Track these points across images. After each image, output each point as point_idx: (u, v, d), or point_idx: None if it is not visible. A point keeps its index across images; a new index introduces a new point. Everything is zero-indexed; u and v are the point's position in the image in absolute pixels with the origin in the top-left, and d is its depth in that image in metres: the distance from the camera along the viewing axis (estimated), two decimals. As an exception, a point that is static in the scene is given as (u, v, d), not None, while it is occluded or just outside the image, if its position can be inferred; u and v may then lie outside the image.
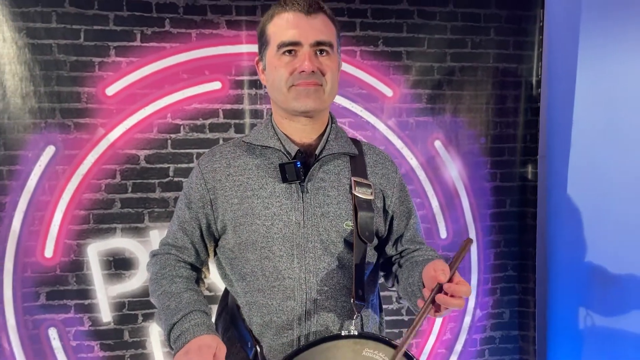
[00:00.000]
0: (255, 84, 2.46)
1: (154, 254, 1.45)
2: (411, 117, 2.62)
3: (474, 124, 2.70)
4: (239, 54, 2.46)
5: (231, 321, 1.37)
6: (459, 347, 2.73)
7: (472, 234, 2.71)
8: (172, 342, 1.28)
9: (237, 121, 2.48)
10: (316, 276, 1.33)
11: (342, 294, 1.34)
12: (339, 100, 2.52)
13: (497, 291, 2.77)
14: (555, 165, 2.82)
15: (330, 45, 1.31)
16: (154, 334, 2.44)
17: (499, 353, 2.78)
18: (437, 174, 2.67)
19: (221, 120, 2.48)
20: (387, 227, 1.44)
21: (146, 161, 2.43)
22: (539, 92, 2.70)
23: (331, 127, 1.41)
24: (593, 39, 2.74)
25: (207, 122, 2.47)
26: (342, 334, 1.26)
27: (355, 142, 1.46)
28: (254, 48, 2.32)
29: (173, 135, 2.46)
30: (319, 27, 1.29)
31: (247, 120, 2.47)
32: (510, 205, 2.77)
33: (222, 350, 1.22)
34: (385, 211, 1.44)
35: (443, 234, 2.66)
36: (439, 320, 2.68)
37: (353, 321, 1.29)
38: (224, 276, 1.43)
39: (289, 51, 1.29)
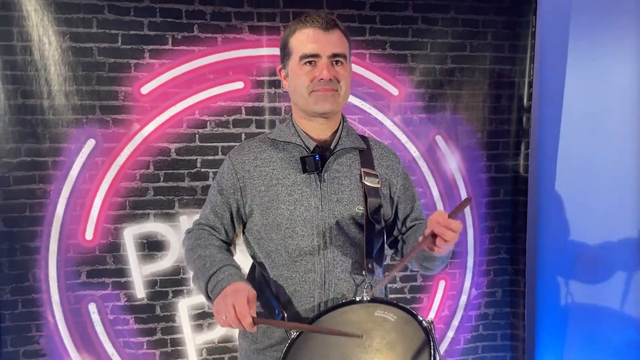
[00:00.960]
0: (274, 84, 2.54)
1: (188, 231, 1.57)
2: (415, 114, 2.71)
3: (471, 120, 2.77)
4: (260, 56, 2.53)
5: (259, 292, 1.45)
6: (455, 322, 2.85)
7: (469, 221, 2.80)
8: (210, 291, 1.38)
9: (257, 117, 2.56)
10: (332, 252, 1.46)
11: (355, 267, 1.48)
12: (350, 99, 2.54)
13: (491, 272, 2.87)
14: (545, 158, 2.90)
15: (345, 56, 1.44)
16: (183, 309, 2.55)
17: (492, 328, 2.90)
18: (437, 165, 2.76)
19: (243, 116, 2.55)
20: (393, 211, 1.57)
21: (176, 153, 2.51)
22: (530, 91, 2.78)
23: (343, 125, 1.54)
24: (581, 43, 2.83)
25: (231, 118, 2.54)
26: (357, 300, 1.38)
27: (364, 138, 1.59)
28: (274, 51, 2.55)
29: (200, 130, 2.52)
30: (335, 42, 1.43)
31: (267, 116, 2.56)
32: (503, 194, 2.86)
33: (253, 294, 1.32)
34: (391, 197, 1.56)
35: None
36: (437, 299, 2.80)
37: (365, 290, 1.42)
38: (252, 254, 1.56)
39: (310, 62, 1.42)
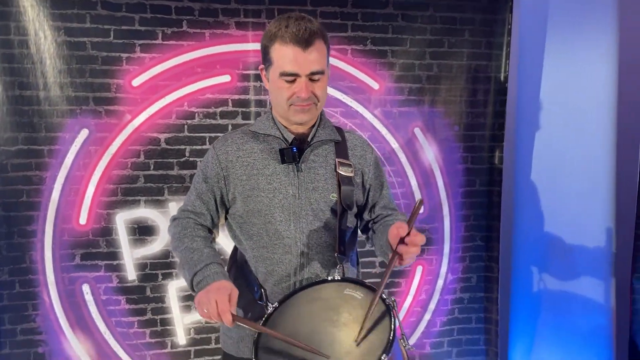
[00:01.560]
0: (260, 77, 2.53)
1: (174, 218, 1.65)
2: (394, 108, 2.80)
3: (449, 114, 2.86)
4: (246, 51, 2.62)
5: (240, 272, 1.57)
6: (432, 305, 2.96)
7: (446, 210, 2.92)
8: (195, 285, 1.48)
9: (243, 109, 2.65)
10: (308, 236, 1.56)
11: (328, 250, 1.58)
12: (333, 92, 2.69)
13: (467, 259, 2.99)
14: (522, 150, 3.01)
15: (322, 72, 1.49)
16: (172, 290, 2.67)
17: (467, 312, 3.01)
18: (416, 157, 2.85)
19: (230, 108, 2.64)
20: (365, 198, 1.67)
21: (166, 143, 2.60)
22: (506, 86, 2.87)
23: (320, 119, 1.62)
24: (558, 38, 2.94)
25: (218, 110, 2.63)
26: (329, 279, 1.49)
27: (339, 130, 1.68)
28: (259, 46, 2.62)
29: (189, 121, 2.61)
30: (313, 60, 1.46)
31: (253, 108, 2.65)
32: (479, 184, 2.95)
33: (235, 293, 1.42)
34: (363, 185, 1.65)
35: (421, 209, 2.94)
36: (415, 283, 2.92)
37: (336, 270, 1.54)
38: (234, 237, 1.65)
39: (290, 80, 1.47)
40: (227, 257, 1.74)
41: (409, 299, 2.94)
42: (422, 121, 2.86)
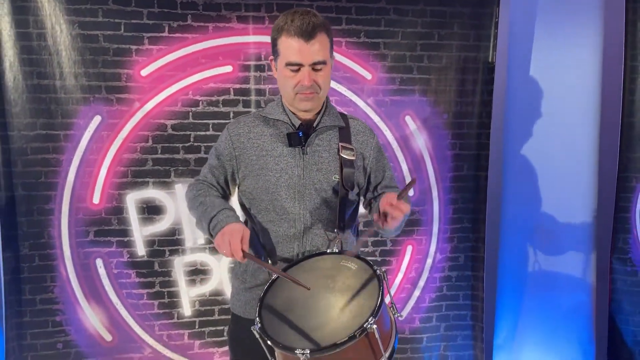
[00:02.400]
0: (260, 68, 2.77)
1: (190, 185, 1.81)
2: (386, 97, 2.93)
3: (438, 102, 2.97)
4: (246, 43, 2.74)
5: (250, 243, 1.63)
6: (421, 283, 3.10)
7: (435, 193, 3.05)
8: (211, 230, 1.61)
9: (244, 98, 2.79)
10: (311, 213, 1.70)
11: (329, 226, 1.72)
12: None
13: (455, 239, 3.12)
14: (509, 136, 3.13)
15: (324, 62, 1.62)
16: (178, 265, 2.83)
17: (455, 289, 3.15)
18: (407, 143, 2.98)
19: (232, 97, 2.77)
20: (366, 179, 1.82)
21: (172, 129, 2.74)
22: (492, 76, 2.97)
23: (325, 106, 1.75)
24: (546, 30, 3.08)
25: (221, 98, 2.76)
26: (327, 251, 1.64)
27: (343, 116, 1.82)
28: (259, 38, 2.79)
29: (193, 109, 2.74)
30: (316, 51, 1.60)
31: (253, 97, 2.79)
32: (467, 169, 3.07)
33: (247, 233, 1.56)
34: (364, 168, 1.78)
35: (411, 192, 2.99)
36: (405, 261, 3.08)
37: (335, 244, 1.68)
38: (245, 211, 1.80)
39: (294, 69, 1.62)
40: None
41: (400, 276, 3.09)
42: (413, 109, 2.98)
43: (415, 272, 3.12)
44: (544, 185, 3.16)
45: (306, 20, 1.59)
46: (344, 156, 1.72)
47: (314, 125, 1.74)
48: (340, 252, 1.64)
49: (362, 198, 1.86)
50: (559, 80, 3.11)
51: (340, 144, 1.74)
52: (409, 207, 1.57)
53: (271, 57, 1.72)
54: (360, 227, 2.84)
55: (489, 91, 3.03)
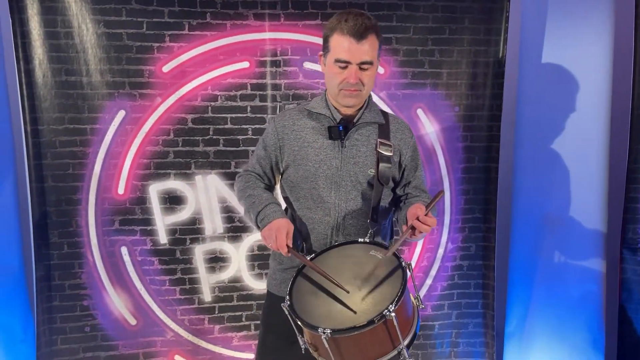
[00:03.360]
0: (276, 64, 2.83)
1: (239, 176, 1.94)
2: (399, 90, 2.99)
3: (449, 96, 3.02)
4: (263, 40, 2.80)
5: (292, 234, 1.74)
6: (433, 272, 3.17)
7: (446, 184, 3.11)
8: (259, 222, 1.74)
9: (261, 92, 2.85)
10: (346, 203, 1.80)
11: (363, 217, 1.80)
12: None
13: (466, 229, 3.17)
14: (521, 129, 3.17)
15: (372, 62, 1.69)
16: (199, 253, 2.93)
17: (466, 278, 3.21)
18: (419, 135, 3.02)
19: (249, 92, 2.84)
20: (400, 175, 1.91)
21: (192, 123, 2.81)
22: (503, 70, 3.01)
23: (368, 103, 1.83)
24: (555, 23, 3.10)
25: (238, 93, 2.83)
26: (359, 240, 1.73)
27: (384, 113, 1.90)
28: (275, 35, 2.85)
29: (212, 103, 2.81)
30: (365, 51, 1.67)
31: (269, 92, 2.86)
32: (478, 161, 3.11)
33: (291, 229, 1.69)
34: (400, 164, 1.88)
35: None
36: (417, 251, 3.15)
37: (367, 234, 1.77)
38: (285, 198, 1.90)
39: (342, 66, 1.70)
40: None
41: (412, 264, 3.14)
42: (425, 103, 3.03)
43: (427, 261, 3.18)
44: (554, 176, 3.19)
45: (359, 21, 1.66)
46: (382, 152, 1.79)
47: (355, 120, 1.81)
48: (372, 243, 1.72)
49: (390, 194, 1.93)
50: (570, 73, 3.13)
51: (378, 139, 1.81)
52: (435, 220, 1.65)
53: (320, 52, 1.80)
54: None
55: (500, 84, 3.06)
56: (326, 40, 1.73)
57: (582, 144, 3.15)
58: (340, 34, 1.67)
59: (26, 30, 2.68)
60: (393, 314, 1.44)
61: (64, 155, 2.78)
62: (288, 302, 1.57)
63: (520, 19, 3.10)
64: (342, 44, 1.66)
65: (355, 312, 1.52)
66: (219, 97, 2.86)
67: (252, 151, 2.00)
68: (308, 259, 1.70)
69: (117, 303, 2.92)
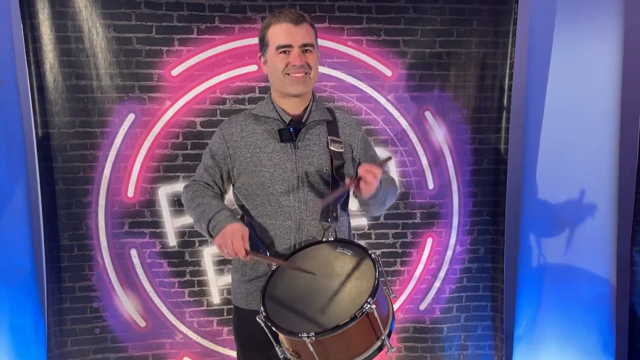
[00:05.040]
0: None
1: (186, 186, 1.86)
2: (406, 93, 2.98)
3: (457, 98, 3.00)
4: None
5: (248, 237, 1.68)
6: (442, 274, 3.16)
7: (455, 186, 3.09)
8: (211, 230, 1.68)
9: None
10: (305, 204, 1.76)
11: (323, 216, 1.78)
12: (349, 79, 2.90)
13: (475, 232, 3.16)
14: (530, 131, 3.16)
15: (313, 45, 1.70)
16: (207, 256, 2.94)
17: (475, 280, 3.19)
18: (426, 138, 3.03)
19: (257, 95, 2.84)
20: (355, 170, 1.87)
21: (201, 126, 2.82)
22: (511, 72, 3.00)
23: (313, 101, 1.84)
24: (566, 25, 3.07)
25: (247, 96, 2.84)
26: (323, 240, 1.75)
27: (330, 110, 1.89)
28: None
29: (221, 106, 2.82)
30: (304, 34, 1.69)
31: None
32: (486, 163, 3.09)
33: (246, 232, 1.62)
34: (352, 159, 1.87)
35: (430, 185, 3.08)
36: (425, 253, 3.13)
37: (330, 233, 1.77)
38: (242, 206, 1.85)
39: (284, 51, 1.68)
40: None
41: (420, 267, 3.15)
42: (433, 105, 3.03)
43: (435, 263, 3.17)
44: (564, 177, 3.16)
45: (292, 11, 1.70)
46: (333, 149, 1.78)
47: (303, 120, 1.79)
48: (336, 240, 1.73)
49: (351, 188, 1.91)
50: (579, 75, 3.10)
51: (329, 137, 1.80)
52: (381, 172, 1.63)
53: (259, 54, 1.79)
54: (351, 220, 2.91)
55: (508, 86, 3.06)
56: (263, 37, 1.73)
57: (592, 146, 3.13)
58: (276, 24, 1.68)
59: (37, 35, 2.71)
60: (374, 306, 1.45)
61: (75, 159, 2.80)
62: (263, 314, 1.54)
63: (528, 21, 3.10)
64: (280, 31, 1.67)
65: (334, 310, 1.51)
66: (228, 100, 2.87)
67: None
68: (274, 267, 1.67)
69: (126, 305, 2.94)
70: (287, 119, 1.80)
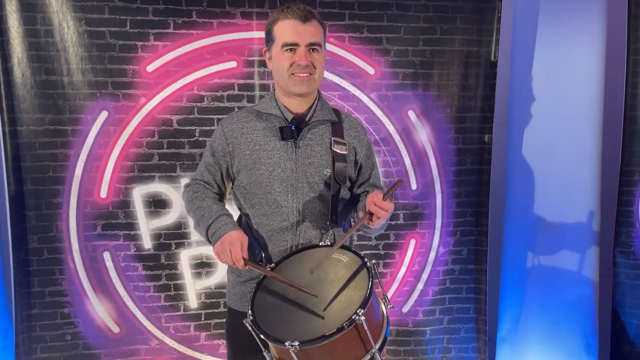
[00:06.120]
0: (263, 63, 2.76)
1: (187, 185, 1.84)
2: (389, 91, 2.94)
3: (441, 97, 2.97)
4: (250, 39, 2.76)
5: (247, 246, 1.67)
6: (425, 276, 3.11)
7: (438, 187, 3.06)
8: (210, 237, 1.66)
9: (248, 93, 2.80)
10: (304, 206, 1.72)
11: (322, 219, 1.74)
12: (331, 77, 2.85)
13: (458, 233, 3.12)
14: (512, 131, 3.14)
15: (320, 44, 1.66)
16: (184, 258, 2.86)
17: (458, 282, 3.16)
18: (410, 137, 2.99)
19: (236, 92, 2.79)
20: (356, 174, 1.85)
21: (178, 124, 2.76)
22: (495, 71, 2.97)
23: (318, 100, 1.79)
24: (549, 25, 3.07)
25: (225, 93, 2.78)
26: (320, 244, 1.69)
27: (336, 111, 1.84)
28: (263, 34, 2.73)
29: (199, 104, 2.76)
30: (312, 32, 1.64)
31: (257, 92, 2.81)
32: (470, 164, 3.07)
33: (245, 240, 1.62)
34: (355, 162, 1.83)
35: (414, 186, 3.04)
36: (408, 255, 3.09)
37: (328, 237, 1.72)
38: (239, 206, 1.82)
39: (290, 49, 1.64)
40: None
41: (403, 269, 3.10)
42: (416, 104, 2.99)
43: (418, 265, 3.13)
44: (547, 178, 3.15)
45: (301, 7, 1.65)
46: (336, 150, 1.74)
47: (307, 119, 1.75)
48: (332, 245, 1.66)
49: (347, 193, 1.87)
50: (562, 74, 3.10)
51: (332, 138, 1.75)
52: (393, 205, 1.61)
53: (264, 48, 1.75)
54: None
55: (492, 86, 3.03)
56: (269, 32, 1.69)
57: (575, 146, 3.14)
58: (283, 20, 1.64)
59: (4, 27, 2.60)
60: (363, 318, 1.39)
61: (44, 158, 2.71)
62: (250, 317, 1.50)
63: (512, 19, 3.07)
64: (287, 28, 1.63)
65: (323, 319, 1.46)
66: (206, 97, 2.80)
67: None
68: (268, 268, 1.63)
69: (99, 310, 2.84)
70: (290, 116, 1.75)
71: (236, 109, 2.83)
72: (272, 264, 1.67)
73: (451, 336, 3.22)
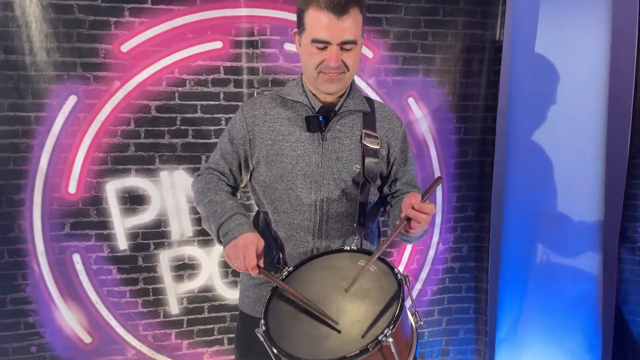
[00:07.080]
0: (253, 44, 2.60)
1: (198, 174, 1.72)
2: (389, 77, 2.80)
3: (442, 83, 2.86)
4: (238, 17, 2.58)
5: (261, 235, 1.58)
6: (423, 275, 3.00)
7: None
8: (221, 237, 1.54)
9: (235, 77, 2.63)
10: (328, 204, 1.59)
11: (348, 220, 1.61)
12: None
13: (458, 229, 3.01)
14: (516, 121, 3.01)
15: (355, 42, 1.49)
16: (164, 260, 2.68)
17: (458, 281, 3.05)
18: (409, 126, 2.84)
19: (222, 76, 2.61)
20: (388, 171, 1.69)
21: (157, 111, 2.58)
22: (499, 56, 2.85)
23: (350, 89, 1.64)
24: (553, 8, 2.94)
25: (210, 77, 2.61)
26: (345, 249, 1.53)
27: (369, 100, 1.70)
28: (252, 12, 2.61)
29: (180, 89, 2.59)
30: (347, 28, 1.46)
31: (245, 76, 2.63)
32: (472, 155, 2.96)
33: (261, 244, 1.49)
34: (388, 158, 1.68)
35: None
36: (407, 253, 2.96)
37: (354, 240, 1.58)
38: (257, 200, 1.70)
39: (320, 47, 1.49)
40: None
41: (401, 268, 2.94)
42: (416, 91, 2.85)
43: (417, 264, 3.01)
44: (551, 171, 3.05)
45: None
46: (367, 144, 1.61)
47: (336, 109, 1.62)
48: (360, 251, 1.51)
49: (377, 193, 1.72)
50: (567, 61, 2.99)
51: (363, 130, 1.62)
52: (434, 207, 1.44)
53: (295, 29, 1.59)
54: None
55: (496, 72, 2.91)
56: (300, 16, 1.53)
57: (581, 137, 3.03)
58: (316, 9, 1.47)
59: (-45, -1, 2.35)
60: (390, 340, 1.25)
61: (3, 148, 2.48)
62: (263, 327, 1.37)
63: (516, 2, 2.93)
64: (319, 21, 1.47)
65: (344, 336, 1.31)
66: (188, 81, 2.62)
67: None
68: (285, 272, 1.50)
69: (68, 319, 2.63)
70: (318, 105, 1.61)
71: (222, 95, 2.64)
72: (290, 268, 1.52)
73: (450, 338, 3.12)
